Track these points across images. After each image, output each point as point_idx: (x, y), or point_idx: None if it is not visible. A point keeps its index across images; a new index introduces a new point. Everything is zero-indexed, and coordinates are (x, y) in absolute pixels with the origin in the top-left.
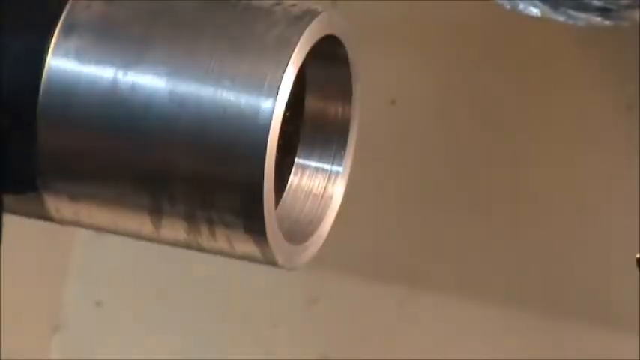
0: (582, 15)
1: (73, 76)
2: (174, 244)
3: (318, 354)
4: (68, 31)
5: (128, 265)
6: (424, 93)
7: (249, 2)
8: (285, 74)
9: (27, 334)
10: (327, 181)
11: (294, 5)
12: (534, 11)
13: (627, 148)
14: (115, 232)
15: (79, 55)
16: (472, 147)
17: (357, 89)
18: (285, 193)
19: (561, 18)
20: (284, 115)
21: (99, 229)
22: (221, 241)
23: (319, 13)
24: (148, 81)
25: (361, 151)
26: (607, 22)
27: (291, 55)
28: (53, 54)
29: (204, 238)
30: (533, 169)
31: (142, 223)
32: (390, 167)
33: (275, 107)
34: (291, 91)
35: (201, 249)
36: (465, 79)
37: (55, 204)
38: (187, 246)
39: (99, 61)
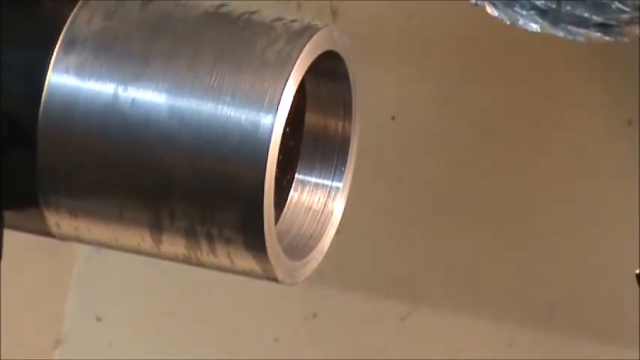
0: (582, 31)
1: (73, 92)
2: (174, 259)
3: None
4: (68, 46)
5: (129, 280)
6: (424, 109)
7: (249, 17)
8: (285, 90)
9: (28, 349)
10: (327, 197)
11: (294, 21)
12: (534, 26)
13: (628, 162)
14: (115, 248)
15: (80, 71)
16: (472, 161)
17: (357, 105)
18: (285, 209)
19: (561, 33)
20: (284, 131)
21: (99, 244)
22: (221, 257)
23: (319, 29)
24: (149, 97)
25: (361, 167)
26: (607, 38)
27: (291, 71)
28: (53, 69)
29: (204, 254)
30: (534, 183)
31: (142, 238)
32: (390, 183)
33: (275, 123)
34: (292, 106)
35: (201, 264)
36: (464, 95)
37: (55, 219)
38: (187, 261)
39: (99, 77)
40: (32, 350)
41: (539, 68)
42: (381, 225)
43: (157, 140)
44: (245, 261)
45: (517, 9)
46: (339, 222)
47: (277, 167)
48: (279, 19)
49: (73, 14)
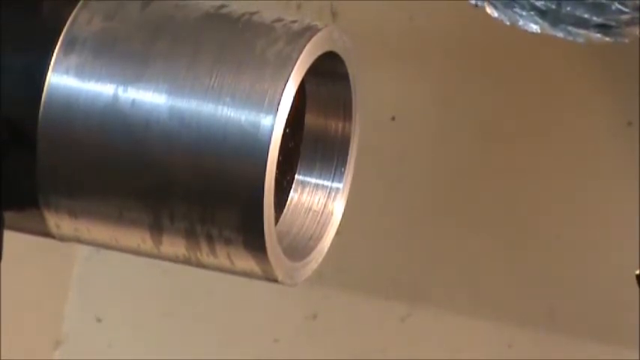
0: (582, 31)
1: (73, 93)
2: (174, 260)
3: None
4: (68, 47)
5: (129, 281)
6: (424, 109)
7: (249, 18)
8: (285, 91)
9: (28, 350)
10: (327, 198)
11: (294, 22)
12: (534, 27)
13: (628, 163)
14: (115, 248)
15: (80, 72)
16: (472, 162)
17: (357, 105)
18: (285, 210)
19: (561, 34)
20: (284, 132)
21: (99, 245)
22: (221, 258)
23: (319, 30)
24: (149, 97)
25: (361, 167)
26: (607, 39)
27: (291, 72)
28: (53, 70)
29: (204, 255)
30: (534, 183)
31: (142, 239)
32: (390, 183)
33: (275, 124)
34: (292, 107)
35: (201, 265)
36: (464, 96)
37: (55, 220)
38: (187, 262)
39: (99, 78)
40: (32, 350)
41: (539, 68)
42: (381, 225)
43: (157, 141)
44: (245, 261)
45: (517, 10)
46: (339, 223)
47: (277, 168)
48: (279, 19)
49: (73, 15)
